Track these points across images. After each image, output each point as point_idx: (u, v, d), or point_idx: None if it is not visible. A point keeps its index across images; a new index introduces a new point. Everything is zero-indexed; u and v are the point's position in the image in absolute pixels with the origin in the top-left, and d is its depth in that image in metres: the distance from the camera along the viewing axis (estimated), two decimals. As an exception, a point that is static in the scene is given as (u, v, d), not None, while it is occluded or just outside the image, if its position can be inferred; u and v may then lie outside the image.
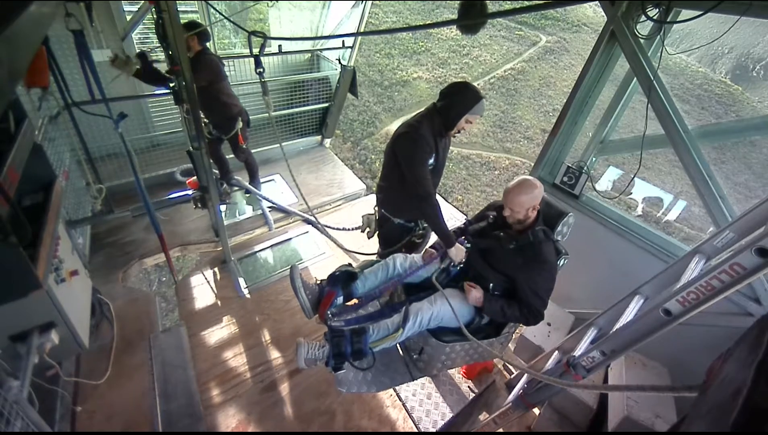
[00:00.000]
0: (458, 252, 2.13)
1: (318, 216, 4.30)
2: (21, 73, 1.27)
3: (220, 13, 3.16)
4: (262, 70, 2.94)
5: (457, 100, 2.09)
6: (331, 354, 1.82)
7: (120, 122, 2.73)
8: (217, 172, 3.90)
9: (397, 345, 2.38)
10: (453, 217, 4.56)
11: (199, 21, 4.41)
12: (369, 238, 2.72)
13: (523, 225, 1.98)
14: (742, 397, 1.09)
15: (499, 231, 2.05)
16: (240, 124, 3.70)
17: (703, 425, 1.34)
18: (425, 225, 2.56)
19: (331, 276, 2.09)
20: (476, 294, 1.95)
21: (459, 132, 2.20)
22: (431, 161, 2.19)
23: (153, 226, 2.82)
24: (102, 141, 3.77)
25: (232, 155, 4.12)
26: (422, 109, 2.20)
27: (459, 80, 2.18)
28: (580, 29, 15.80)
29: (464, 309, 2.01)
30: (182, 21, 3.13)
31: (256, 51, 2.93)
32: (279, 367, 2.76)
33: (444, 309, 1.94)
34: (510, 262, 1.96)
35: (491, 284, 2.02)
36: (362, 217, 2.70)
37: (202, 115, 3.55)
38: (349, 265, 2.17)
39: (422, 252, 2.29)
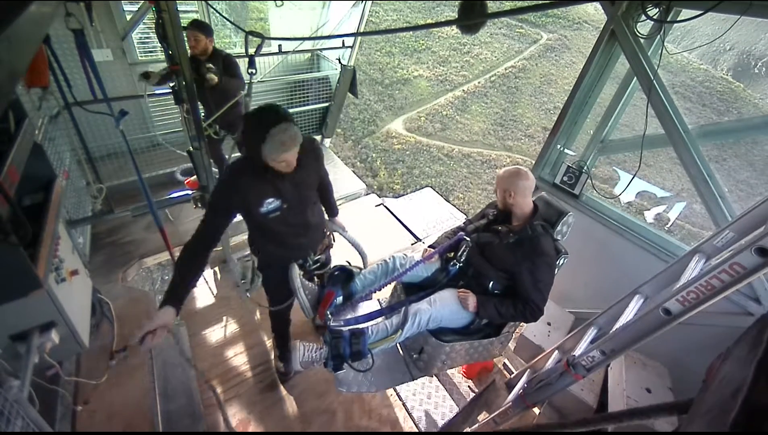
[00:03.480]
0: (155, 317, 1.63)
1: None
2: (21, 73, 1.27)
3: (219, 14, 3.17)
4: (254, 71, 2.94)
5: (248, 142, 1.65)
6: (330, 356, 1.81)
7: (121, 120, 2.73)
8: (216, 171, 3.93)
9: (397, 345, 2.38)
10: (453, 217, 4.56)
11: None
12: (247, 292, 2.20)
13: (518, 216, 2.02)
14: (742, 395, 1.09)
15: (498, 226, 2.07)
16: None
17: (703, 424, 1.34)
18: (317, 257, 2.18)
19: (330, 275, 2.09)
20: (471, 300, 1.95)
21: (288, 166, 1.70)
22: (273, 205, 1.79)
23: (154, 219, 2.82)
24: (102, 141, 3.77)
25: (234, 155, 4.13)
26: None
27: (254, 108, 1.65)
28: (581, 26, 15.78)
29: (462, 311, 2.01)
30: (192, 20, 3.19)
31: (252, 51, 2.93)
32: (279, 366, 2.76)
33: (444, 310, 1.94)
34: (509, 257, 1.97)
35: (491, 282, 2.02)
36: (237, 261, 2.19)
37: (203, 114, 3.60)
38: (348, 262, 2.17)
39: (422, 251, 2.28)
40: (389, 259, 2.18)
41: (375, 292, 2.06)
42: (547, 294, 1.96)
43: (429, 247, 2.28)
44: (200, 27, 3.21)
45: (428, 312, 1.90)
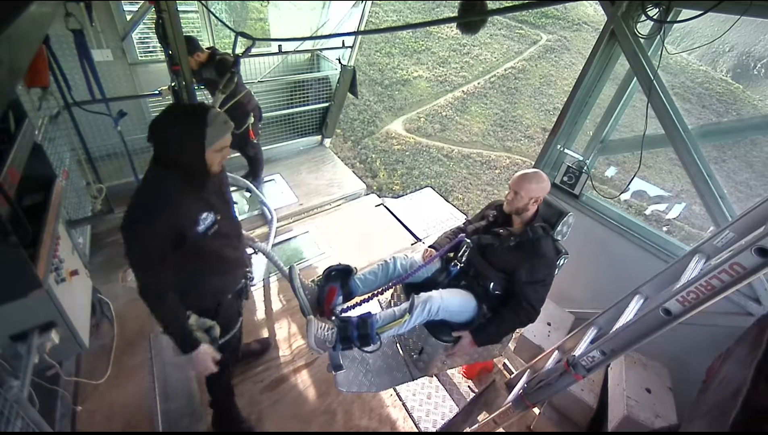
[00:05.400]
0: (200, 360, 1.64)
1: (318, 216, 4.32)
2: (21, 73, 1.27)
3: (213, 14, 3.19)
4: (235, 70, 2.96)
5: (183, 139, 1.42)
6: (338, 338, 1.81)
7: (119, 120, 2.73)
8: None
9: (397, 345, 2.39)
10: (453, 217, 4.56)
11: (198, 21, 4.45)
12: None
13: (521, 218, 2.01)
14: (742, 396, 1.09)
15: (498, 229, 2.07)
16: (251, 120, 3.79)
17: (703, 425, 1.34)
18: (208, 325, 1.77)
19: (328, 274, 2.09)
20: (465, 342, 1.98)
21: (221, 162, 1.55)
22: (209, 220, 1.56)
23: None
24: (102, 140, 3.77)
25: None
26: (147, 171, 1.52)
27: (165, 108, 1.47)
28: (581, 28, 15.81)
29: (469, 305, 2.02)
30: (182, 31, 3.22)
31: (240, 51, 2.95)
32: (279, 366, 2.76)
33: (453, 301, 1.95)
34: (510, 260, 1.97)
35: (491, 283, 2.02)
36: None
37: None
38: (339, 263, 2.16)
39: (422, 251, 2.29)
40: (390, 259, 2.18)
41: (376, 297, 2.05)
42: (545, 295, 1.97)
43: (429, 247, 2.28)
44: None
45: (438, 301, 1.89)
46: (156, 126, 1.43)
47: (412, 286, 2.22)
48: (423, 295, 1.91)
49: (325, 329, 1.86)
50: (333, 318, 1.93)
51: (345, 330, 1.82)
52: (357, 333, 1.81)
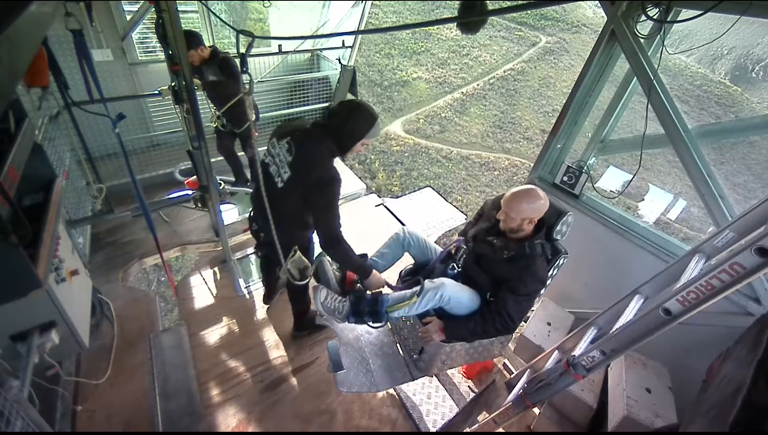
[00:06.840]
0: (376, 281, 2.11)
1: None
2: (21, 73, 1.26)
3: (214, 14, 3.19)
4: (245, 68, 2.97)
5: (353, 122, 1.89)
6: (350, 311, 1.96)
7: (118, 123, 2.72)
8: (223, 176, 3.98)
9: (398, 345, 2.39)
10: (453, 217, 4.57)
11: (198, 21, 4.45)
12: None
13: (516, 235, 1.95)
14: (742, 395, 1.09)
15: (494, 238, 2.01)
16: (252, 117, 3.80)
17: (703, 424, 1.34)
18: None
19: None
20: (434, 330, 1.99)
21: (354, 155, 2.08)
22: None
23: (150, 229, 2.81)
24: (102, 140, 3.76)
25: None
26: (315, 135, 1.93)
27: (351, 99, 1.94)
28: (580, 30, 15.85)
29: (476, 302, 2.03)
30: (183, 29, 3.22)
31: (244, 50, 2.95)
32: (279, 367, 2.76)
33: (463, 295, 1.97)
34: (502, 270, 1.94)
35: (488, 293, 2.02)
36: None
37: (214, 109, 3.73)
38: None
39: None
40: (399, 231, 2.31)
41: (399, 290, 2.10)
42: (527, 310, 1.95)
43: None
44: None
45: (450, 291, 1.92)
46: (343, 105, 1.92)
47: (415, 271, 2.34)
48: (436, 280, 1.95)
49: (336, 300, 1.99)
50: (354, 290, 2.08)
51: (358, 304, 1.96)
52: (368, 308, 1.95)
